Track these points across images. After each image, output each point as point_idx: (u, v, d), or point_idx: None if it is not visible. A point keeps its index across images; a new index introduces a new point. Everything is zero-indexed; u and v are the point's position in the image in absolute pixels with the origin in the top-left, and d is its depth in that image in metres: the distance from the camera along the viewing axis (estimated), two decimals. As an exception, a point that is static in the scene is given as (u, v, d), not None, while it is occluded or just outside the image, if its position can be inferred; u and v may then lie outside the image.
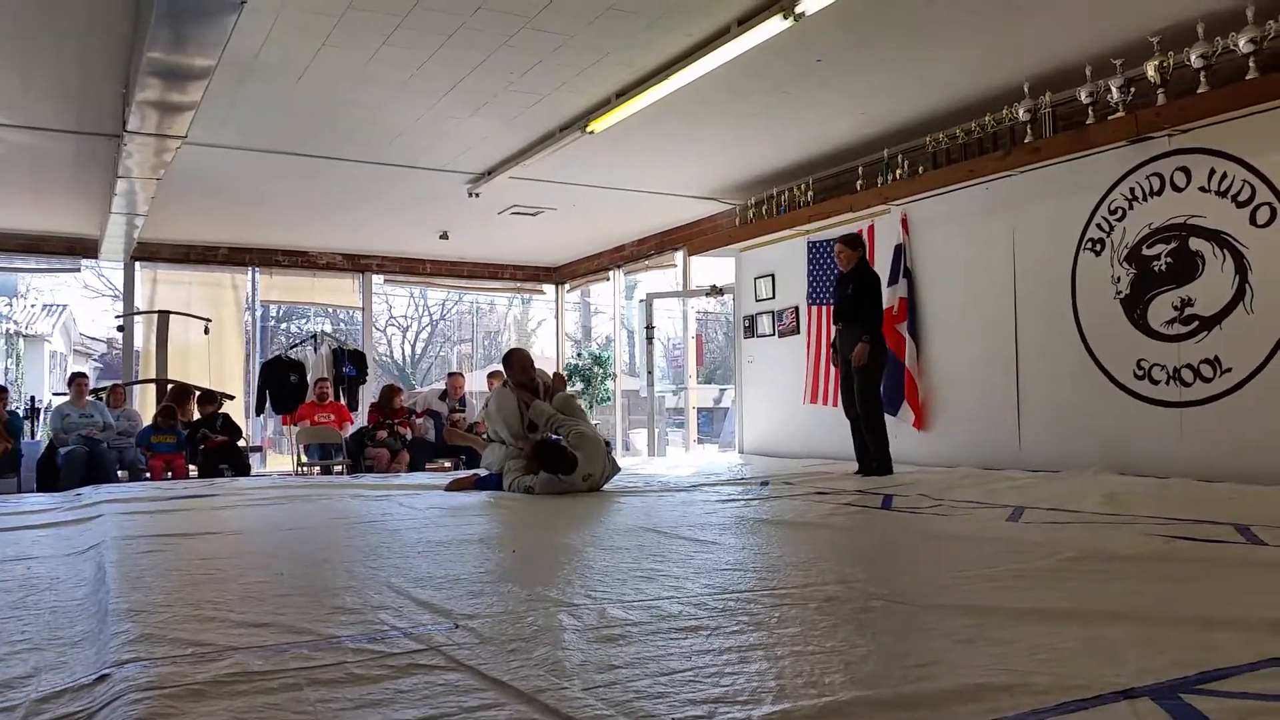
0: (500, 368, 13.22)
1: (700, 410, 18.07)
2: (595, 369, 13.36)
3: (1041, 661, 1.89)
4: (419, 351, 30.01)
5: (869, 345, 6.51)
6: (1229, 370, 5.57)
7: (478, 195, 9.25)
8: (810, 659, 1.94)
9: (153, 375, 11.30)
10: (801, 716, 1.57)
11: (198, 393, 10.24)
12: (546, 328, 18.74)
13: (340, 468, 9.64)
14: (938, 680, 1.76)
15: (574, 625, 2.27)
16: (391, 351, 29.08)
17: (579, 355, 14.28)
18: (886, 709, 1.61)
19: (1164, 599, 2.49)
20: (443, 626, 2.29)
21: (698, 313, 13.14)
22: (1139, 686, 1.70)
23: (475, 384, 15.38)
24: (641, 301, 11.79)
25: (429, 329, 30.08)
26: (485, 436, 6.58)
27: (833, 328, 7.09)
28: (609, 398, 13.41)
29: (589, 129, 7.05)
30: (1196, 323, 5.73)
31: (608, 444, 6.17)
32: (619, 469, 6.26)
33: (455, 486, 6.27)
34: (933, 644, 2.07)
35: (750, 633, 2.18)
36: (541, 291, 14.79)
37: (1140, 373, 6.04)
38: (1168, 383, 5.88)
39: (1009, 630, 2.14)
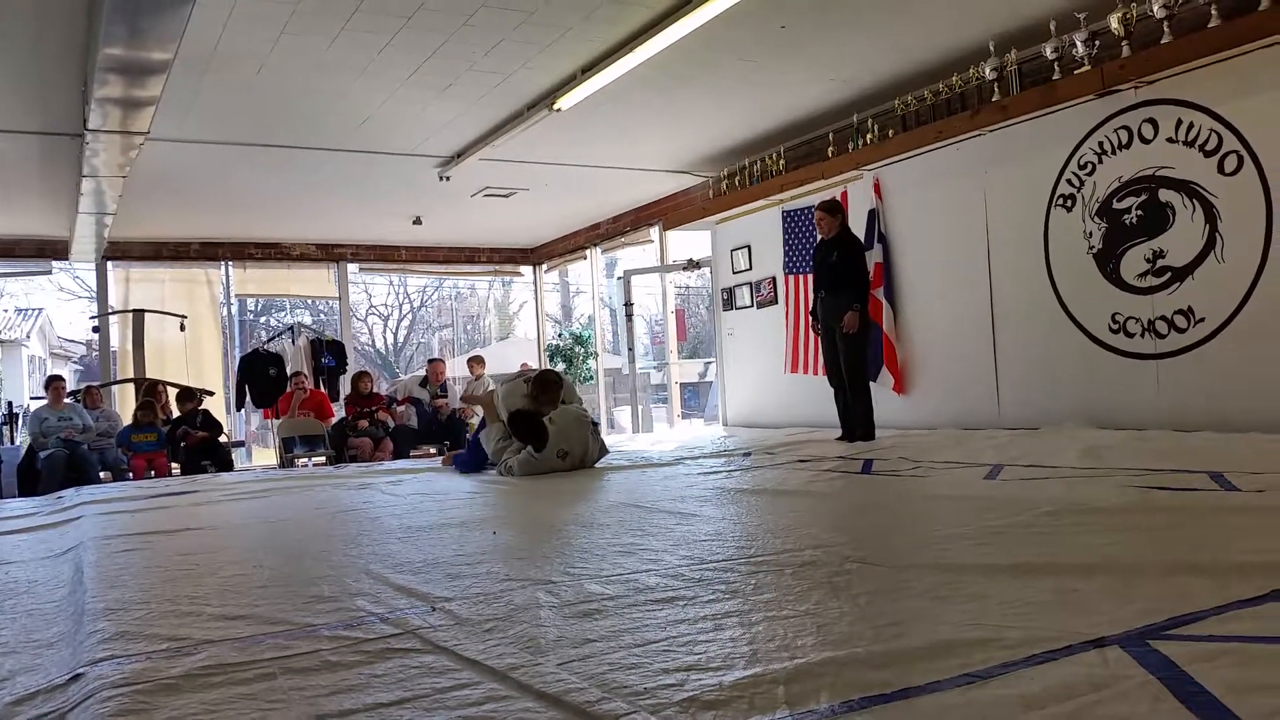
0: (481, 353, 13.20)
1: (685, 385, 18.08)
2: (577, 349, 13.34)
3: (1014, 615, 1.90)
4: (401, 339, 29.91)
5: (859, 313, 6.51)
6: (1202, 320, 5.60)
7: (448, 179, 9.19)
8: (784, 623, 1.94)
9: (130, 375, 11.22)
10: (772, 680, 1.58)
11: (174, 389, 10.17)
12: (528, 310, 18.69)
13: (322, 458, 9.61)
14: (909, 638, 1.77)
15: (551, 602, 2.27)
16: (373, 340, 28.98)
17: (560, 335, 14.26)
18: (857, 668, 1.62)
19: (1137, 549, 2.50)
20: (419, 610, 2.28)
21: (678, 287, 13.12)
22: (1110, 635, 1.71)
23: (457, 370, 15.33)
24: (619, 279, 11.77)
25: (410, 316, 29.97)
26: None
27: (813, 296, 7.04)
28: (591, 377, 13.41)
29: (555, 106, 7.00)
30: (1169, 274, 5.76)
31: (595, 424, 6.19)
32: (607, 450, 6.26)
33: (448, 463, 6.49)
34: (906, 603, 2.08)
35: (725, 601, 2.18)
36: (519, 273, 14.74)
37: (1115, 326, 6.07)
38: (1143, 335, 5.91)
39: (982, 586, 2.15)
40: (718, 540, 3.05)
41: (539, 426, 5.69)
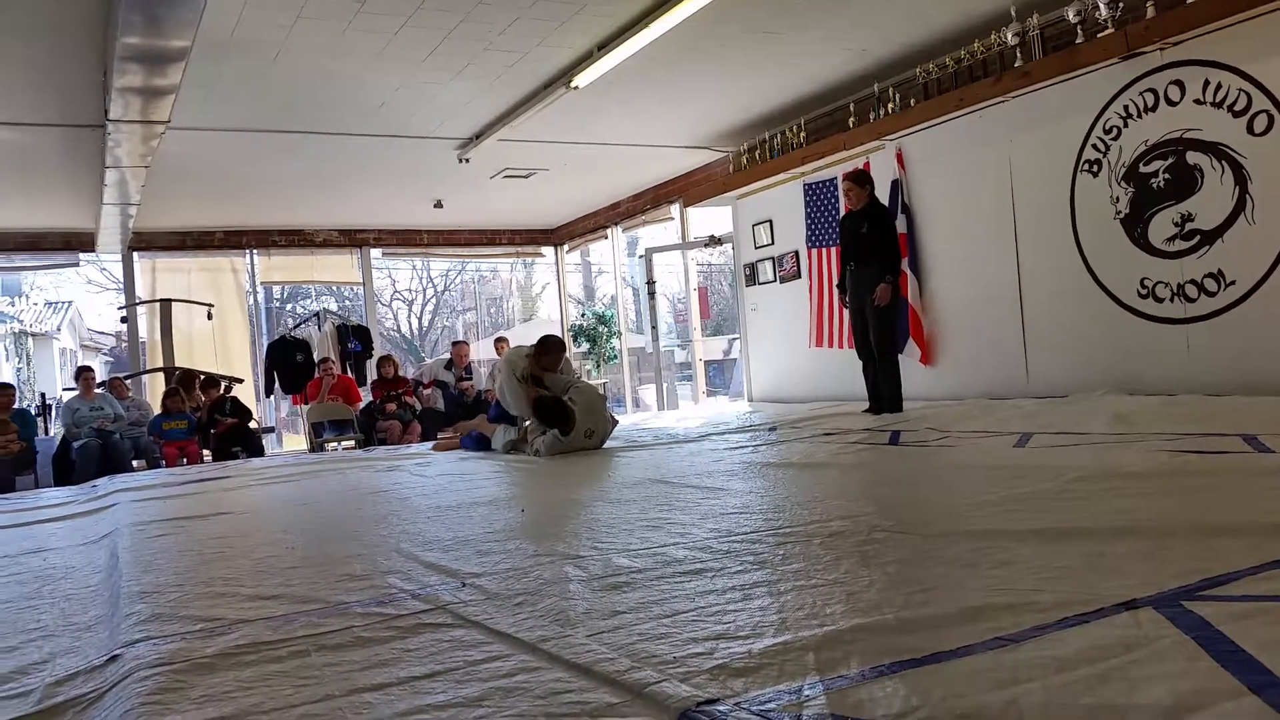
0: (506, 334, 13.25)
1: (710, 363, 18.05)
2: (600, 328, 13.34)
3: (1044, 580, 1.89)
4: (426, 324, 30.03)
5: (891, 286, 6.45)
6: (1233, 283, 5.52)
7: (468, 160, 9.19)
8: (813, 592, 1.94)
9: (159, 364, 11.33)
10: (801, 647, 1.58)
11: (201, 377, 10.28)
12: (551, 291, 18.71)
13: (351, 442, 9.69)
14: (939, 604, 1.77)
15: (580, 576, 2.28)
16: (399, 325, 29.11)
17: (583, 315, 14.26)
18: (887, 634, 1.61)
19: (1169, 512, 2.47)
20: (450, 586, 2.30)
21: (701, 265, 13.07)
22: (1142, 597, 1.69)
23: (481, 352, 15.39)
24: (640, 257, 11.75)
25: (434, 300, 30.07)
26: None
27: (843, 268, 6.88)
28: (615, 356, 13.42)
29: (572, 84, 6.97)
30: (1198, 237, 5.67)
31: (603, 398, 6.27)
32: (616, 422, 6.32)
33: (441, 448, 6.60)
34: (935, 570, 2.07)
35: (754, 571, 2.18)
36: (541, 254, 14.74)
37: (1144, 292, 5.99)
38: (1172, 300, 5.84)
39: (1012, 552, 2.14)
40: (745, 513, 3.05)
41: (564, 411, 5.71)
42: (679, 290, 17.69)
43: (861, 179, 6.73)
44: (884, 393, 6.61)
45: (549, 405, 5.76)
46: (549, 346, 6.17)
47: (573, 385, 6.06)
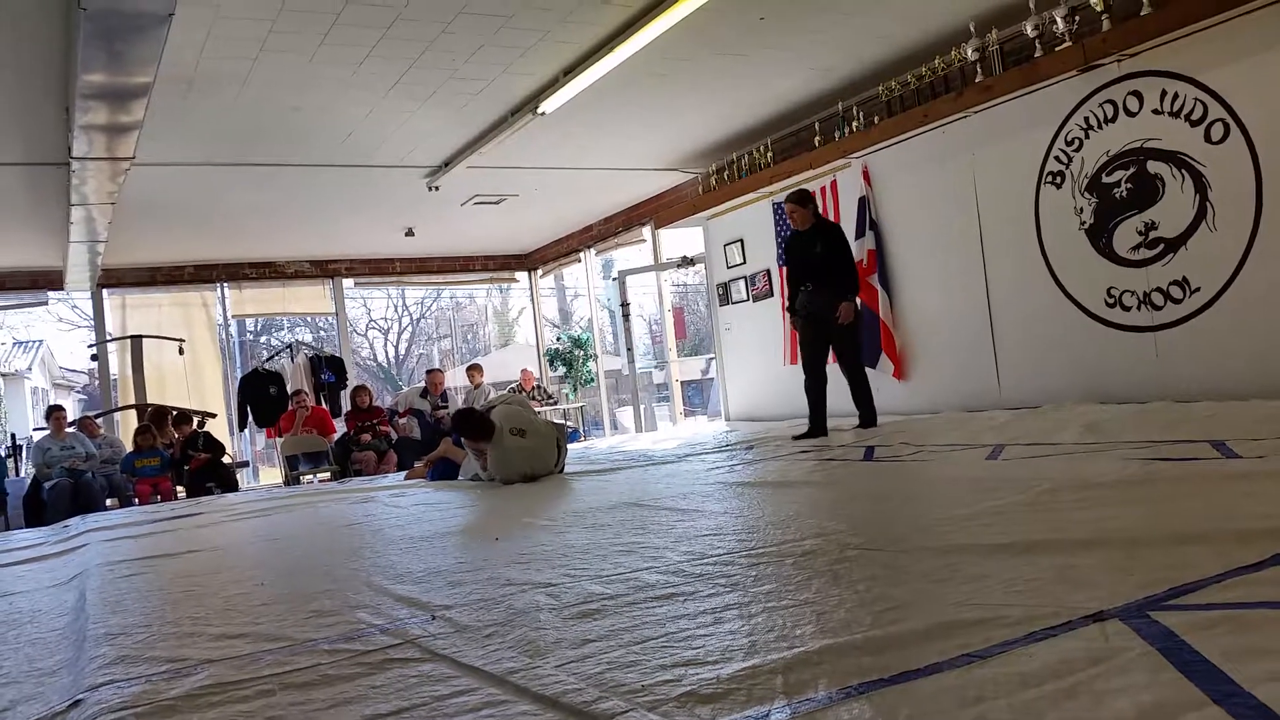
0: (480, 362, 13.21)
1: (688, 383, 18.05)
2: (576, 352, 13.33)
3: (1014, 594, 1.89)
4: (403, 352, 29.91)
5: (854, 304, 6.44)
6: (1198, 290, 5.58)
7: (437, 188, 9.18)
8: (783, 613, 1.93)
9: (131, 401, 11.21)
10: (770, 670, 1.57)
11: (173, 413, 10.18)
12: (527, 316, 18.68)
13: (327, 474, 9.61)
14: (908, 622, 1.76)
15: (551, 605, 2.26)
16: (375, 355, 28.98)
17: (559, 339, 14.25)
18: (856, 654, 1.61)
19: (1138, 521, 2.49)
20: (420, 619, 2.27)
21: (676, 285, 13.08)
22: (1109, 609, 1.70)
23: (457, 379, 15.32)
24: (614, 279, 11.76)
25: (410, 329, 29.97)
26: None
27: (794, 290, 6.69)
28: (592, 379, 13.39)
29: (539, 110, 6.99)
30: (1162, 245, 5.74)
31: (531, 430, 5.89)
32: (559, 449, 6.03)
33: (414, 475, 6.78)
34: (906, 587, 2.06)
35: (725, 594, 2.17)
36: (515, 280, 14.72)
37: (1111, 301, 6.05)
38: (1139, 308, 5.89)
39: (982, 566, 2.14)
40: (719, 535, 3.03)
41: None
42: (655, 311, 17.71)
43: (803, 199, 6.62)
44: (858, 409, 6.59)
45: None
46: (472, 429, 5.68)
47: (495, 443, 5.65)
